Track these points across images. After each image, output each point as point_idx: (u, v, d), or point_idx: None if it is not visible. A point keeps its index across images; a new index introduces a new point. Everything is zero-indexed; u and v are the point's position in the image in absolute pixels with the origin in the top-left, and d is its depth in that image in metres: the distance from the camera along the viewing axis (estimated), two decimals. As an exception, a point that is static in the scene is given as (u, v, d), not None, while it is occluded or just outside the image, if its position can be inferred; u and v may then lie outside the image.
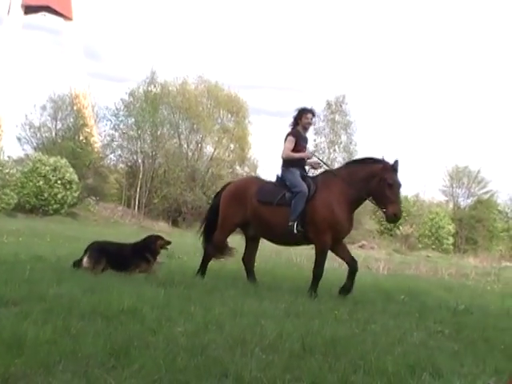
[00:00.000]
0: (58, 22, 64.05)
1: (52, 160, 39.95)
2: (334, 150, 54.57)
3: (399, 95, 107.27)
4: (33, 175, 39.22)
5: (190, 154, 51.70)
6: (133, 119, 49.39)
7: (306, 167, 10.40)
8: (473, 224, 53.66)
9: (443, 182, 58.06)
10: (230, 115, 53.61)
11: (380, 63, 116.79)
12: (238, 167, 54.05)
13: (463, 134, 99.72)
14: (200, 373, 4.60)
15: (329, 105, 55.50)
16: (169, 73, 75.77)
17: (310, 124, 10.29)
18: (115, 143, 51.11)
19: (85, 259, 10.40)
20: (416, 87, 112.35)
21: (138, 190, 48.09)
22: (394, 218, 9.69)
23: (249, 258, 10.55)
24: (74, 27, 63.58)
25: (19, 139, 48.30)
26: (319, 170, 10.63)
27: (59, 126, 47.52)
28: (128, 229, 35.07)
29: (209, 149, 53.20)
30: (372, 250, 37.49)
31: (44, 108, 47.66)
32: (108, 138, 51.01)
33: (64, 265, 10.64)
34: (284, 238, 10.11)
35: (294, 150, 9.96)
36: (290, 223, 9.58)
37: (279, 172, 10.36)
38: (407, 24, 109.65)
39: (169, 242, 11.05)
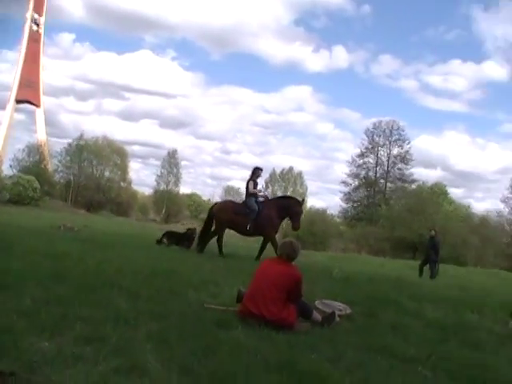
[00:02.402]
0: (32, 107, 69.09)
1: (27, 177, 46.78)
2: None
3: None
4: (17, 184, 45.35)
5: (96, 175, 61.38)
6: (68, 157, 60.13)
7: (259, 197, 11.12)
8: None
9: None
10: (118, 156, 63.37)
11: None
12: (121, 182, 63.57)
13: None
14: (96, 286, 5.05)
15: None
16: (89, 133, 69.25)
17: (259, 176, 11.07)
18: (59, 169, 60.62)
19: (164, 239, 11.52)
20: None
21: (71, 193, 56.44)
22: (297, 228, 10.86)
23: (209, 238, 11.30)
24: (41, 110, 69.10)
25: (11, 166, 55.83)
26: (261, 199, 11.16)
27: (31, 159, 55.70)
28: (64, 213, 37.63)
29: (106, 173, 62.61)
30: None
31: (24, 150, 56.75)
32: (56, 167, 60.34)
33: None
34: (244, 232, 11.00)
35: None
36: (247, 225, 10.72)
37: (243, 198, 11.21)
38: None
39: (195, 229, 11.61)
